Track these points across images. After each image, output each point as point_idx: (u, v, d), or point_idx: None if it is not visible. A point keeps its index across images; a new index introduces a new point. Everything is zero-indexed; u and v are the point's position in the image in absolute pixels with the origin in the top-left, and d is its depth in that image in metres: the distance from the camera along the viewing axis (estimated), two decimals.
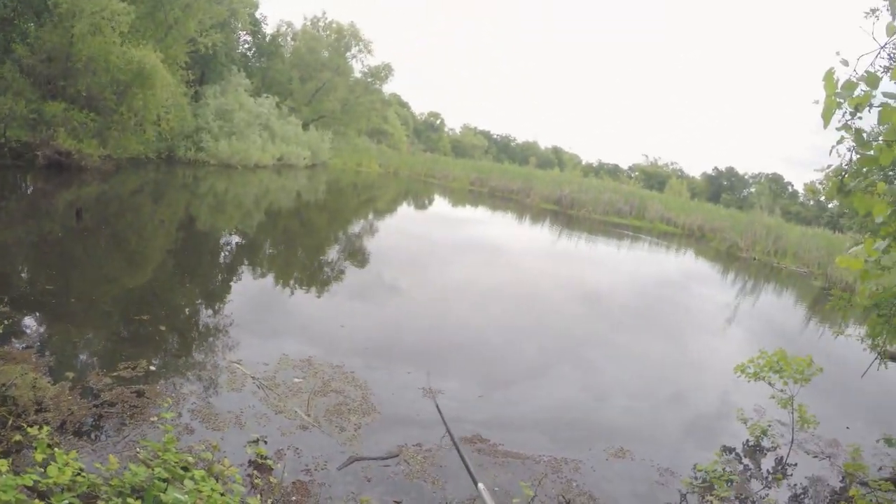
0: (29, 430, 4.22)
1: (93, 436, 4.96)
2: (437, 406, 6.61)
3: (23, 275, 9.39)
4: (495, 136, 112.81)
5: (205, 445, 4.83)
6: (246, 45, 43.47)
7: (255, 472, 4.83)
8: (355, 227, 21.40)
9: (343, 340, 8.44)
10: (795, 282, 25.54)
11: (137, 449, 4.65)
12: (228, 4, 30.19)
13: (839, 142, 3.60)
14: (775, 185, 78.29)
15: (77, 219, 12.92)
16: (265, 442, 5.33)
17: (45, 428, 4.24)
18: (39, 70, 20.27)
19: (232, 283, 10.96)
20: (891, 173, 5.39)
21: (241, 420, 5.65)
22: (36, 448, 3.71)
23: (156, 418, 5.15)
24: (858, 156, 3.54)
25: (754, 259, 29.54)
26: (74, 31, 19.88)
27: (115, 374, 6.08)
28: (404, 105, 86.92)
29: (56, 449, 3.76)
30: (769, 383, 7.67)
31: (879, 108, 3.37)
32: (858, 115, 3.46)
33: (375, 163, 49.25)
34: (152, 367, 6.41)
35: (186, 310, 9.05)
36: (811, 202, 63.92)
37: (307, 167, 38.71)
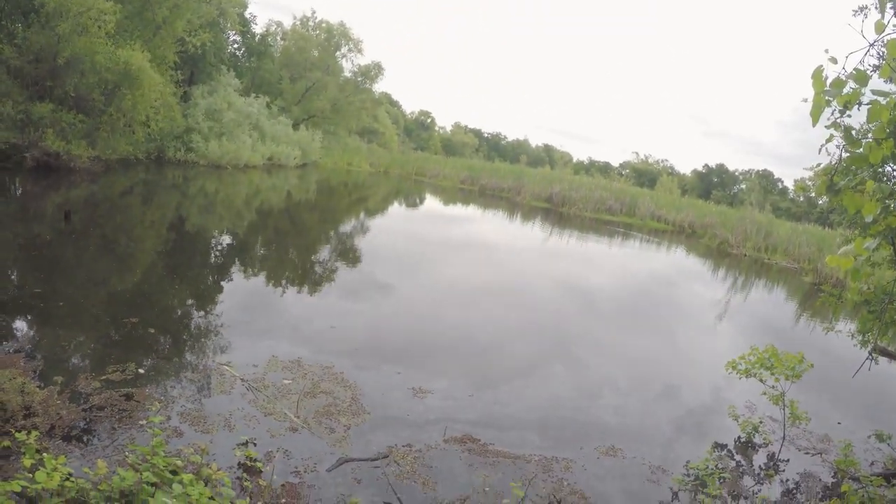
0: (17, 435, 4.15)
1: (81, 440, 4.93)
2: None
3: (11, 278, 9.29)
4: (486, 135, 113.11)
5: (193, 449, 4.78)
6: (235, 45, 43.27)
7: (245, 474, 4.80)
8: (346, 227, 21.34)
9: (333, 341, 8.40)
10: (786, 278, 25.66)
11: (126, 453, 4.60)
12: (217, 4, 29.98)
13: (828, 140, 3.59)
14: (765, 182, 78.70)
15: (66, 221, 12.80)
16: (254, 444, 5.30)
17: (34, 433, 4.18)
18: (27, 71, 20.04)
19: (222, 284, 10.90)
20: (880, 171, 5.41)
21: (230, 422, 5.61)
22: (24, 453, 3.67)
23: (144, 422, 5.11)
24: (848, 154, 3.53)
25: (745, 255, 29.67)
26: (59, 31, 19.69)
27: (103, 377, 6.03)
28: (395, 104, 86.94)
29: (44, 454, 3.72)
30: (760, 380, 7.71)
31: (868, 106, 3.36)
32: (847, 112, 3.45)
33: (366, 162, 49.11)
34: (141, 371, 6.36)
35: (176, 312, 8.98)
36: (801, 198, 64.32)
37: (297, 167, 38.57)
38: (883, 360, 7.64)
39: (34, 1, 20.06)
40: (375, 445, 5.71)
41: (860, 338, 7.51)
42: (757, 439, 7.59)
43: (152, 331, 7.66)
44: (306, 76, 45.66)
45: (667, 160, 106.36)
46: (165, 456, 4.13)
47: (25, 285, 8.71)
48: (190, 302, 9.56)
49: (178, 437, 5.18)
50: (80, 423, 5.15)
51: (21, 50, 20.07)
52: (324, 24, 47.49)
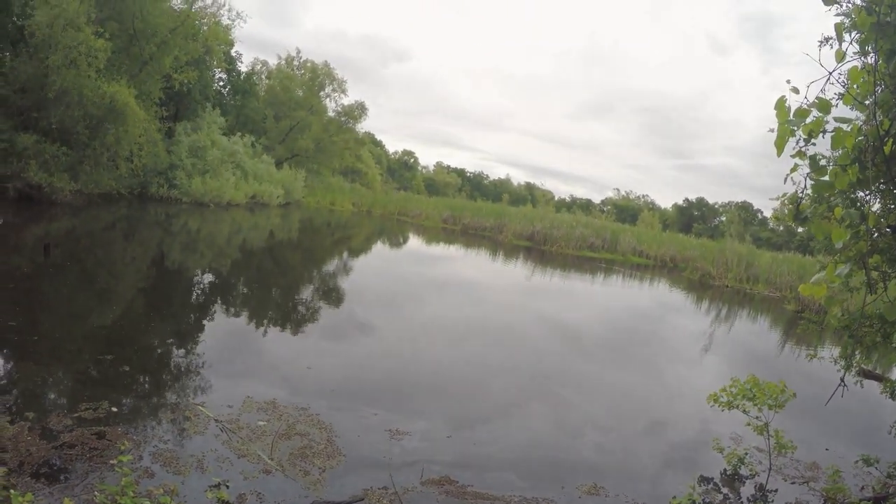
0: None
1: (50, 478, 4.80)
2: None
3: None
4: (468, 174, 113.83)
5: (164, 490, 4.66)
6: (221, 83, 43.62)
7: None
8: (328, 267, 21.24)
9: (309, 382, 8.27)
10: (769, 307, 25.85)
11: (95, 492, 4.48)
12: (204, 42, 30.23)
13: (793, 170, 3.63)
14: (745, 213, 79.71)
15: (45, 254, 12.66)
16: (227, 486, 5.16)
17: (2, 469, 4.08)
18: (13, 101, 20.01)
19: (200, 323, 10.76)
20: (853, 196, 5.49)
21: (202, 464, 5.47)
22: None
23: (115, 461, 4.98)
24: (813, 182, 3.58)
25: (727, 286, 29.89)
26: (50, 63, 19.73)
27: (76, 414, 5.90)
28: (378, 144, 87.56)
29: (11, 490, 3.63)
30: (744, 411, 7.65)
31: (832, 134, 3.43)
32: (812, 141, 3.51)
33: (349, 201, 49.16)
34: (114, 409, 6.22)
35: (152, 350, 8.83)
36: (781, 228, 65.13)
37: (280, 206, 38.58)
38: (870, 383, 7.60)
39: (24, 31, 20.11)
40: (350, 488, 5.57)
41: (842, 363, 7.51)
42: (743, 471, 7.52)
43: (127, 368, 7.52)
44: (290, 115, 46.06)
45: (647, 195, 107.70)
46: (135, 496, 4.03)
47: (0, 318, 8.55)
48: (167, 340, 9.40)
49: (149, 477, 5.03)
50: (50, 461, 5.01)
51: (8, 79, 20.04)
52: (308, 64, 48.17)
